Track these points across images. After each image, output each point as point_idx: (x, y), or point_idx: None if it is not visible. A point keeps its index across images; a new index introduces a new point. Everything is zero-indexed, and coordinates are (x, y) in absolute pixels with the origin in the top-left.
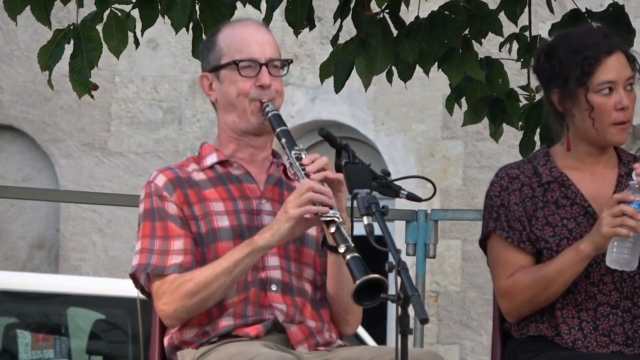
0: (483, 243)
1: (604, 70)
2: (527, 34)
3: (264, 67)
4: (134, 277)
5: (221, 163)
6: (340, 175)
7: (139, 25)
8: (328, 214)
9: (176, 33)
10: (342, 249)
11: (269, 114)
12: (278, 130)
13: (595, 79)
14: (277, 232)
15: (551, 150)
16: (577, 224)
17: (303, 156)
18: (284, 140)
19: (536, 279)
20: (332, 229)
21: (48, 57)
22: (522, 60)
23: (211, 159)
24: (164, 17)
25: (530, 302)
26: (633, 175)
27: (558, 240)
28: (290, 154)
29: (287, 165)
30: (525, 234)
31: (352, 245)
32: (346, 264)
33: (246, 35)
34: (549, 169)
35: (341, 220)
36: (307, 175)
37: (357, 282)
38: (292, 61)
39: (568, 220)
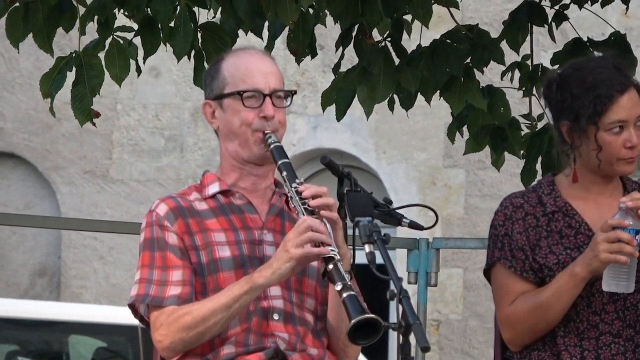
0: (487, 273)
1: (616, 110)
2: (529, 62)
3: (267, 98)
4: (132, 307)
5: (223, 193)
6: (335, 215)
7: (140, 53)
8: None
9: (178, 61)
10: (338, 287)
11: (271, 146)
12: (280, 163)
13: (607, 118)
14: (278, 271)
15: (556, 179)
16: (580, 253)
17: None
18: (284, 173)
19: (534, 306)
20: (330, 266)
21: (50, 84)
22: (523, 88)
23: (213, 188)
24: (165, 45)
25: (531, 330)
26: (620, 199)
27: (561, 268)
28: (291, 187)
29: (289, 198)
30: (528, 263)
31: (349, 283)
32: (342, 302)
33: (251, 65)
34: (554, 198)
35: (338, 257)
36: (307, 210)
37: (353, 321)
38: (295, 92)
39: (572, 250)
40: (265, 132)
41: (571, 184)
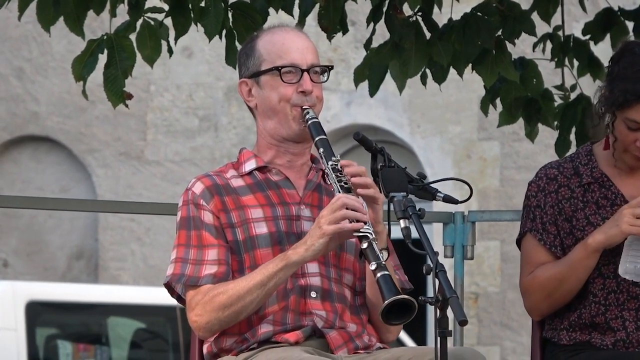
0: (519, 242)
1: (638, 110)
2: (560, 33)
3: (305, 73)
4: (169, 286)
5: (260, 169)
6: (376, 193)
7: (172, 33)
8: (361, 230)
9: (209, 41)
10: (372, 266)
11: (309, 122)
12: (317, 139)
13: (626, 113)
14: (312, 248)
15: (595, 148)
16: None
17: (339, 167)
18: (321, 149)
19: (551, 276)
20: (364, 245)
21: (82, 67)
22: (556, 59)
23: (250, 165)
24: (197, 25)
25: (547, 298)
26: None
27: None
28: (327, 164)
29: (325, 175)
30: (558, 239)
31: (383, 263)
32: (377, 281)
33: (287, 41)
34: (590, 169)
35: (373, 236)
36: (343, 187)
37: (386, 302)
38: (332, 67)
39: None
40: (304, 107)
41: (608, 153)
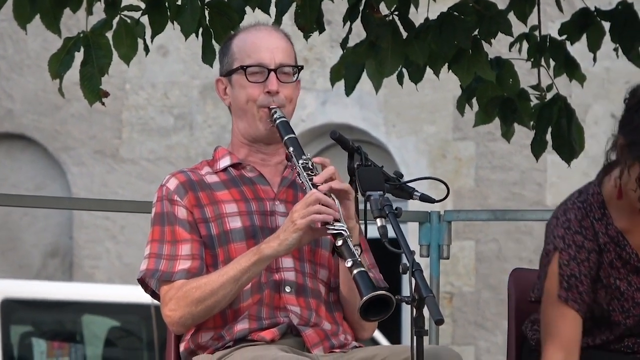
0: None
1: None
2: (536, 33)
3: (272, 73)
4: (142, 282)
5: (234, 166)
6: (346, 185)
7: (148, 31)
8: (335, 227)
9: (186, 39)
10: (348, 264)
11: (277, 121)
12: (285, 138)
13: None
14: (285, 242)
15: (605, 194)
16: (628, 283)
17: (310, 166)
18: (291, 149)
19: None
20: (339, 242)
21: (58, 65)
22: (532, 59)
23: (224, 162)
24: (173, 23)
25: None
26: None
27: (609, 299)
28: (298, 163)
29: (296, 174)
30: (588, 306)
31: (359, 259)
32: (353, 278)
33: (257, 40)
34: (605, 225)
35: (348, 234)
36: (314, 185)
37: (364, 299)
38: (302, 67)
39: (621, 280)
40: (271, 107)
41: (620, 205)
